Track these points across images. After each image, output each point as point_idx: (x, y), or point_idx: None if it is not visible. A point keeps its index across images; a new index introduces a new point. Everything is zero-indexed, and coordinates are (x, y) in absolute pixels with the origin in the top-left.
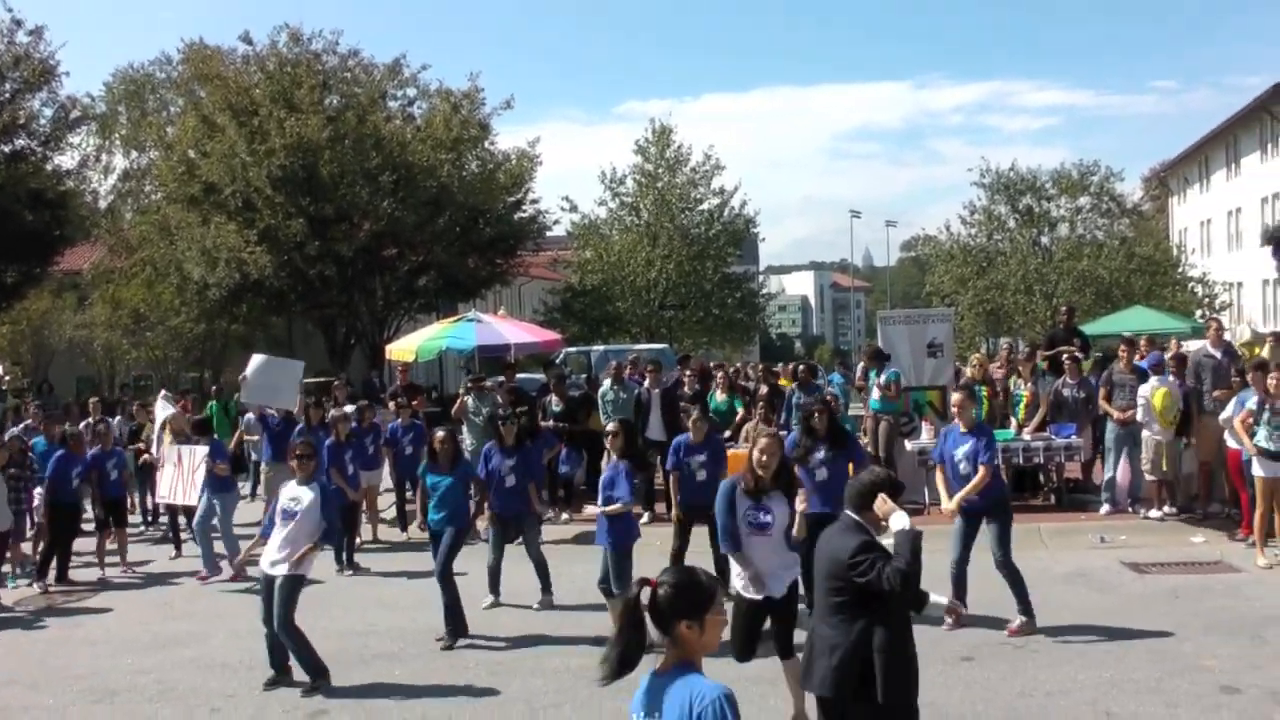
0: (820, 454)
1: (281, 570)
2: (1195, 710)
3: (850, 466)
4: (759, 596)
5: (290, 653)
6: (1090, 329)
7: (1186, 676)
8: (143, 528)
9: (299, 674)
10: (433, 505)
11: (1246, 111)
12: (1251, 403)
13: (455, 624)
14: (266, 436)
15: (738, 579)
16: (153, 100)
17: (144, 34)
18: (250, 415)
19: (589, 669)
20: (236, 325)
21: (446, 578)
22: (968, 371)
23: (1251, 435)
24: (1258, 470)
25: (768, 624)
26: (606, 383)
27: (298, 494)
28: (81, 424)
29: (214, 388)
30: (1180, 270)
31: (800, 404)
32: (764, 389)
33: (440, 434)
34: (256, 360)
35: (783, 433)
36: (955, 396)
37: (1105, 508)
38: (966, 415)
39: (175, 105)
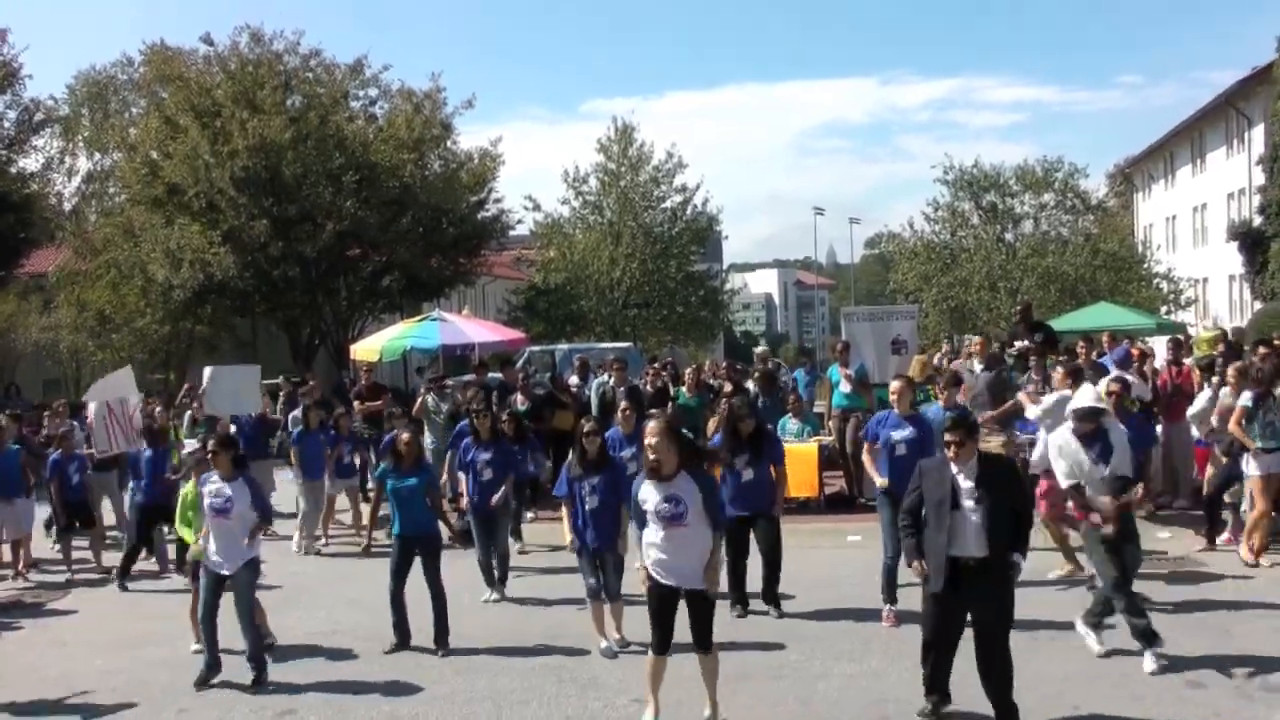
0: (745, 456)
1: (230, 566)
2: (1161, 704)
3: (772, 468)
4: (671, 581)
5: (247, 641)
6: (1055, 325)
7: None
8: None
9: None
10: (396, 510)
11: (1212, 107)
12: (1245, 400)
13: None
14: (242, 438)
15: (649, 560)
16: (115, 102)
17: (106, 36)
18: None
19: (557, 668)
20: (201, 326)
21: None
22: (912, 369)
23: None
24: (1253, 470)
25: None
26: (603, 377)
27: (221, 489)
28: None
29: (186, 387)
30: (1145, 266)
31: (729, 408)
32: (728, 387)
33: (405, 435)
34: (209, 372)
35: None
36: (894, 384)
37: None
38: (904, 402)
39: (138, 107)
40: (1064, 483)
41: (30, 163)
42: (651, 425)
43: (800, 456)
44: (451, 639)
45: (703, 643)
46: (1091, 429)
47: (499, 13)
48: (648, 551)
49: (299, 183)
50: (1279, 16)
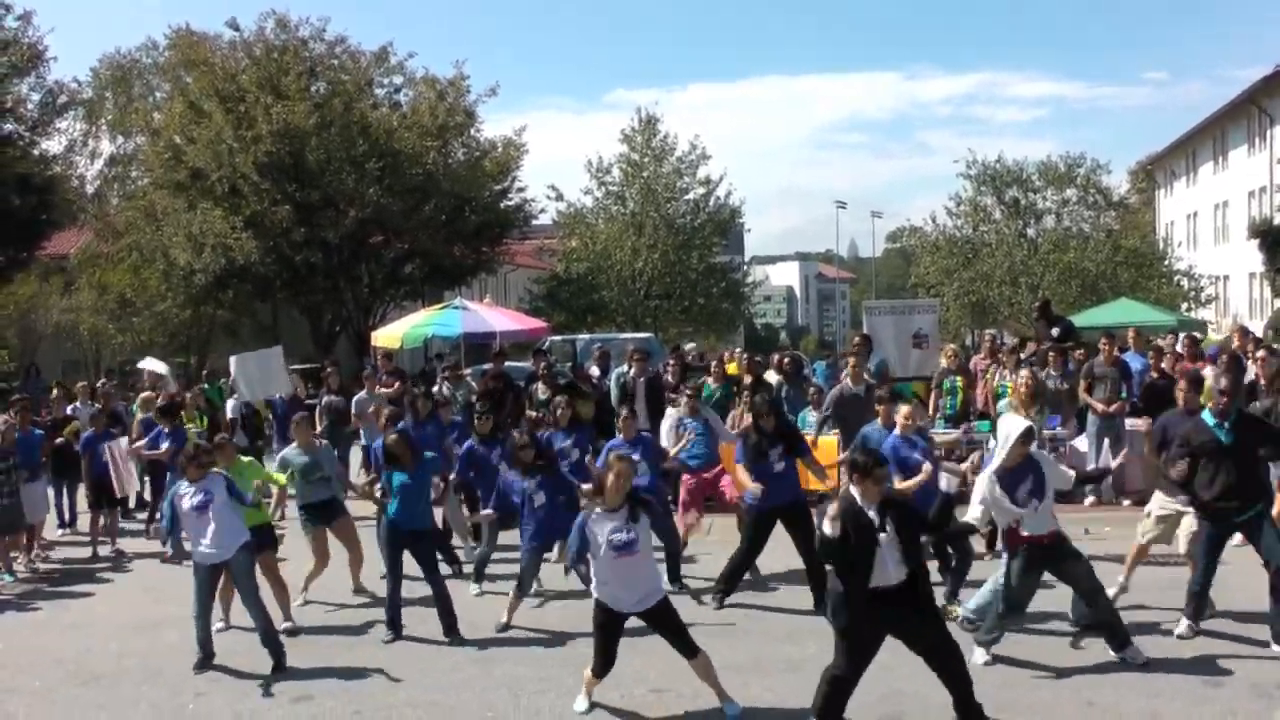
0: (776, 450)
1: (226, 553)
2: (1178, 703)
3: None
4: (624, 609)
5: (258, 625)
6: (1075, 321)
7: (1171, 669)
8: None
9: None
10: (396, 498)
11: (1234, 105)
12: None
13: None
14: (276, 421)
15: (599, 587)
16: (139, 86)
17: (131, 20)
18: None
19: (574, 658)
20: (222, 311)
21: (398, 579)
22: (942, 362)
23: None
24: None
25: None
26: (624, 367)
27: (199, 488)
28: (69, 408)
29: (204, 372)
30: (1166, 263)
31: (757, 404)
32: (748, 379)
33: (392, 435)
34: (235, 361)
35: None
36: (904, 409)
37: (1089, 499)
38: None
39: (162, 91)
40: (970, 517)
41: (53, 145)
42: (617, 466)
43: (821, 448)
44: (466, 629)
45: (688, 648)
46: (1023, 458)
47: (524, 3)
48: (599, 581)
49: (322, 169)
50: None
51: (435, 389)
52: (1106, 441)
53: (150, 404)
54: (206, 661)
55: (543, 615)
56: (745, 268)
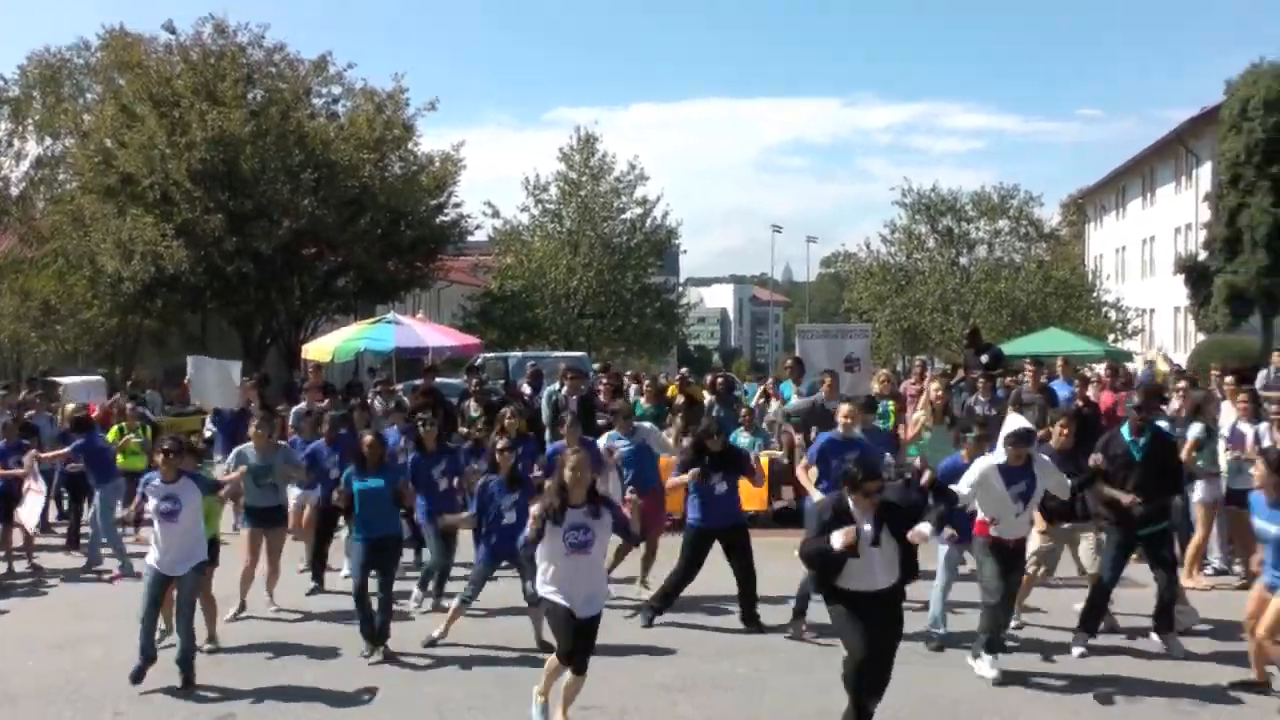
0: (719, 472)
1: (182, 568)
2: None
3: (740, 480)
4: (572, 607)
5: (181, 642)
6: (1005, 349)
7: (1090, 686)
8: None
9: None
10: (360, 512)
11: (1163, 143)
12: (1195, 432)
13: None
14: (220, 431)
15: (544, 585)
16: (69, 86)
17: (62, 18)
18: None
19: (509, 678)
20: (150, 321)
21: (365, 591)
22: (874, 386)
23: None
24: (1199, 495)
25: None
26: (555, 385)
27: (170, 492)
28: None
29: (129, 382)
30: (1095, 295)
31: (699, 426)
32: (681, 399)
33: (368, 437)
34: (192, 361)
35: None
36: (844, 408)
37: None
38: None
39: (93, 92)
40: (962, 501)
41: None
42: (571, 457)
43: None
44: (396, 645)
45: (584, 666)
46: (1022, 459)
47: (468, 17)
48: (551, 580)
49: (257, 178)
50: (1231, 59)
51: (368, 403)
52: None
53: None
54: (145, 668)
55: (470, 632)
56: (680, 289)
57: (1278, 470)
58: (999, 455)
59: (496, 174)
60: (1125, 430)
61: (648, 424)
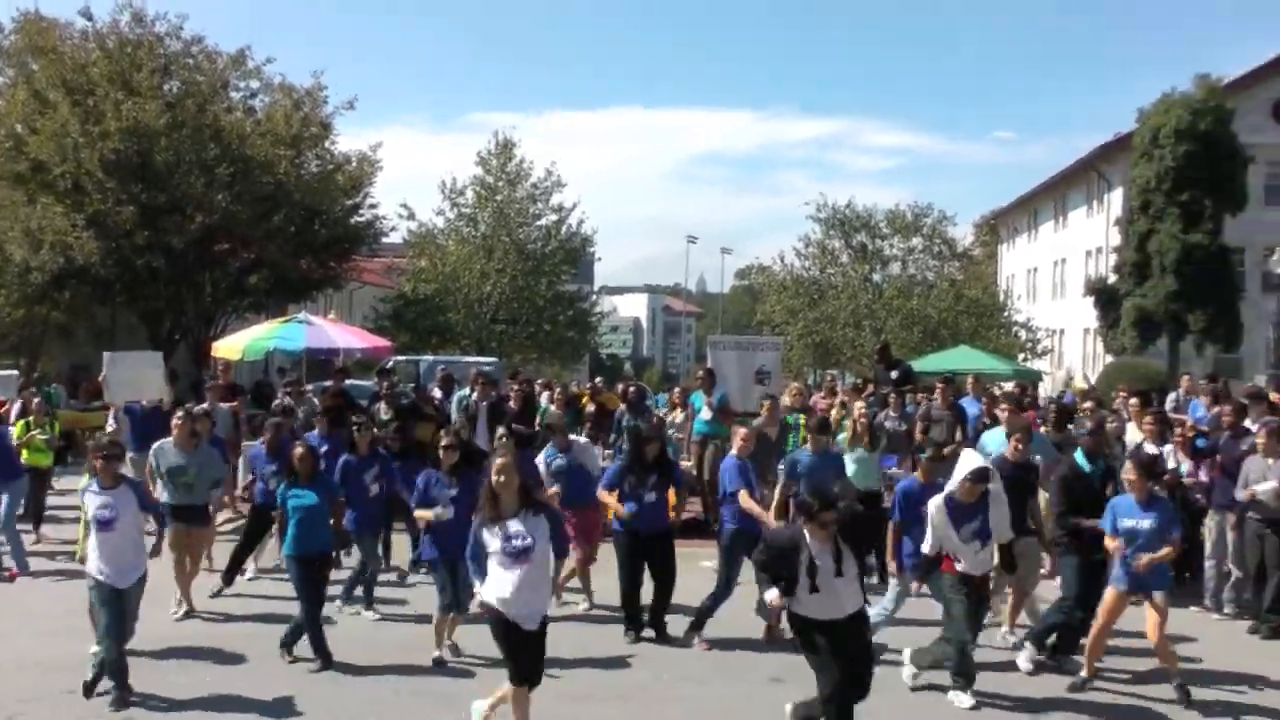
0: (653, 478)
1: (124, 582)
2: None
3: (671, 490)
4: (517, 618)
5: (109, 660)
6: (916, 366)
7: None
8: None
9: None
10: (295, 527)
11: (1076, 168)
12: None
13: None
14: (131, 426)
15: (490, 593)
16: None
17: None
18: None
19: (406, 682)
20: (58, 312)
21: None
22: (785, 399)
23: None
24: None
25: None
26: (465, 390)
27: (108, 500)
28: None
29: (35, 375)
30: (1006, 314)
31: (632, 429)
32: (591, 408)
33: (300, 448)
34: (108, 358)
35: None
36: (742, 431)
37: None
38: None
39: (4, 76)
40: (925, 548)
41: None
42: (500, 463)
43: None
44: (301, 650)
45: (536, 679)
46: (975, 495)
47: (388, 17)
48: (493, 589)
49: (170, 171)
50: (1144, 87)
51: (276, 403)
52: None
53: None
54: (123, 687)
55: (378, 638)
56: (594, 297)
57: (1147, 472)
58: (950, 485)
59: (412, 176)
60: (1080, 456)
61: (584, 439)
